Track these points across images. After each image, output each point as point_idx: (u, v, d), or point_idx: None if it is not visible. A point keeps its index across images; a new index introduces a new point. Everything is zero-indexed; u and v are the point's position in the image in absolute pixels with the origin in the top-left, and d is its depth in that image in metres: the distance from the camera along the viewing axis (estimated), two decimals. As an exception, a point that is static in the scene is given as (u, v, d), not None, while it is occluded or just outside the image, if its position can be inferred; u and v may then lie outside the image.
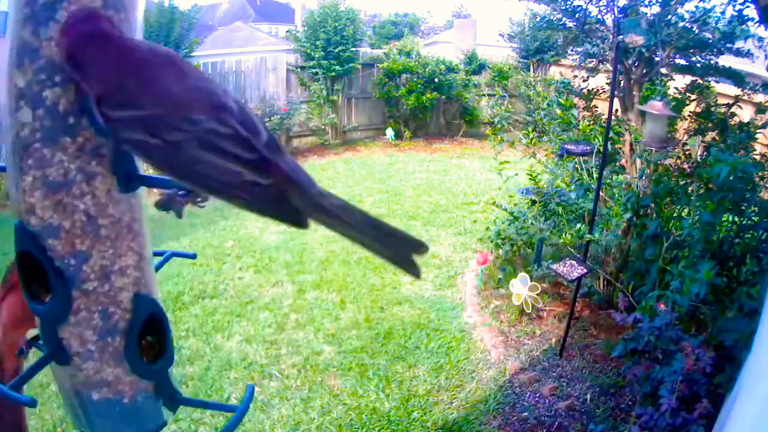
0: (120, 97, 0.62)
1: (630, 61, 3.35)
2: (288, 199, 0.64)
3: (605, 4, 3.30)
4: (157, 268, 0.97)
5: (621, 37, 2.71)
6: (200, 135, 0.62)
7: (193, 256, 1.09)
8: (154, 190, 0.80)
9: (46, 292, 0.78)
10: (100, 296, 0.78)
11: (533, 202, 3.98)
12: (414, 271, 0.68)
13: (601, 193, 3.23)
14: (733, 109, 3.37)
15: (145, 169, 0.80)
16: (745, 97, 3.36)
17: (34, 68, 0.70)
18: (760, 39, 3.13)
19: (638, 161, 3.42)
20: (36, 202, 0.73)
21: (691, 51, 3.23)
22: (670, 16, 3.09)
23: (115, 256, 0.78)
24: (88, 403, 0.82)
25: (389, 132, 9.70)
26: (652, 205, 3.25)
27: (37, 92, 0.70)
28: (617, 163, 3.77)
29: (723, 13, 3.10)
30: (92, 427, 0.85)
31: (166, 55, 0.67)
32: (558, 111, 4.06)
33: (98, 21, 0.65)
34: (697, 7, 3.10)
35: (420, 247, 0.67)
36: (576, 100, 3.98)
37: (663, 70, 3.41)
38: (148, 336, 0.85)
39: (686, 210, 3.18)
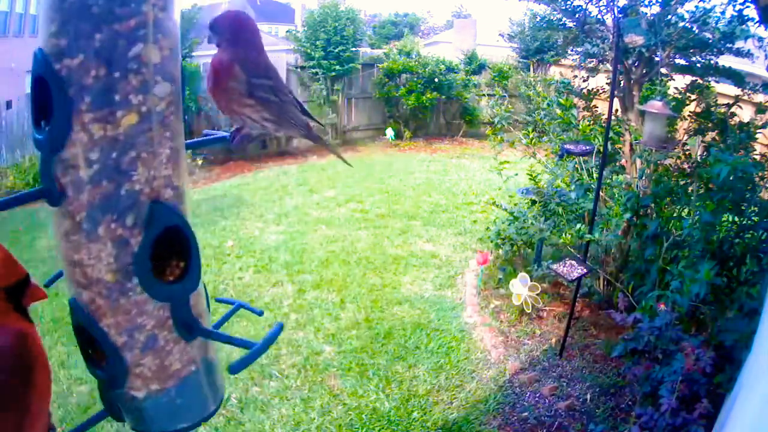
0: (257, 72, 0.99)
1: (630, 61, 3.35)
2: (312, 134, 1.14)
3: (605, 4, 3.30)
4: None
5: (624, 38, 2.71)
6: (291, 100, 1.07)
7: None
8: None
9: (169, 273, 0.79)
10: None
11: (533, 202, 3.98)
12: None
13: (601, 193, 3.23)
14: (733, 109, 3.37)
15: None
16: (745, 97, 3.36)
17: (167, 45, 0.73)
18: (760, 39, 3.13)
19: (638, 161, 3.42)
20: (172, 173, 0.76)
21: (691, 51, 3.23)
22: (670, 16, 3.09)
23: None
24: (210, 370, 0.86)
25: (389, 132, 9.70)
26: (652, 205, 3.24)
27: (170, 68, 0.74)
28: (617, 163, 3.77)
29: (723, 13, 3.10)
30: (204, 407, 0.86)
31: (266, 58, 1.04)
32: (558, 111, 4.06)
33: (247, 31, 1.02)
34: (697, 7, 3.10)
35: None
36: (576, 100, 3.98)
37: (663, 70, 3.41)
38: None
39: (686, 210, 3.18)
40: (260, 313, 1.11)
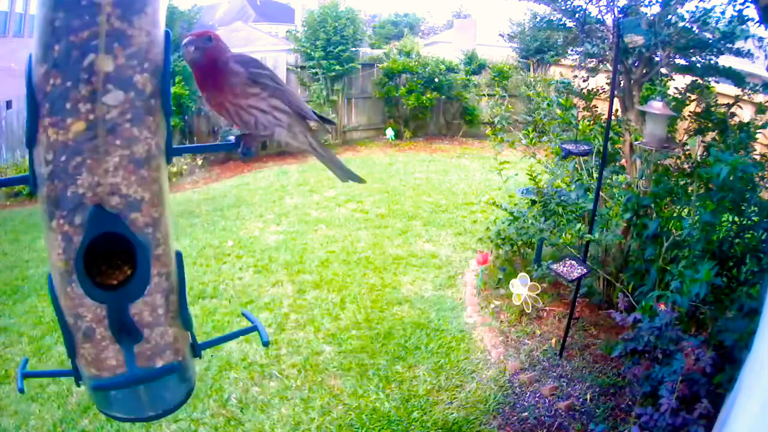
0: (251, 64, 1.00)
1: (630, 61, 3.34)
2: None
3: (605, 4, 3.29)
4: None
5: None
6: (290, 88, 1.08)
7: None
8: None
9: (110, 277, 0.82)
10: (164, 258, 0.85)
11: (533, 202, 3.98)
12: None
13: (601, 193, 3.23)
14: (733, 109, 3.37)
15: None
16: (745, 97, 3.36)
17: (126, 54, 0.76)
18: (760, 39, 3.13)
19: (638, 161, 3.42)
20: (121, 181, 0.78)
21: (691, 51, 3.23)
22: (670, 16, 3.09)
23: (168, 218, 0.87)
24: (153, 374, 0.87)
25: (389, 132, 9.70)
26: (652, 205, 3.24)
27: (129, 76, 0.77)
28: (617, 163, 3.77)
29: (723, 13, 3.10)
30: (154, 405, 0.90)
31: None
32: (558, 111, 4.06)
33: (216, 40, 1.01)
34: (697, 7, 3.09)
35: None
36: (576, 100, 3.98)
37: (663, 70, 3.41)
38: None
39: (686, 210, 3.18)
40: (266, 344, 1.11)
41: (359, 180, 1.25)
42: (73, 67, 0.73)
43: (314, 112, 1.16)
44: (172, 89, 7.25)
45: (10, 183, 0.89)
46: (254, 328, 1.04)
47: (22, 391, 0.93)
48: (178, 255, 0.90)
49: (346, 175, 1.23)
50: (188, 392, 0.95)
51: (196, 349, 0.96)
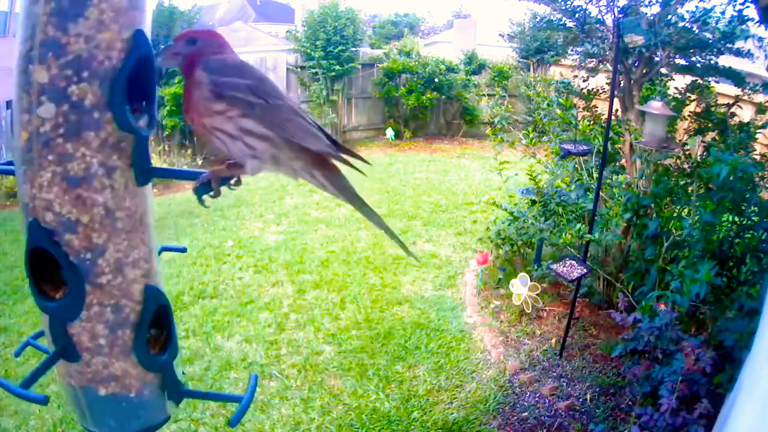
0: (224, 71, 0.82)
1: (630, 61, 3.35)
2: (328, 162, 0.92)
3: (605, 4, 3.29)
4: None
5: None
6: (291, 105, 0.86)
7: (183, 250, 1.13)
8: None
9: (56, 290, 0.79)
10: (114, 289, 0.79)
11: (533, 202, 3.98)
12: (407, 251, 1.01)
13: (601, 193, 3.23)
14: (733, 109, 3.37)
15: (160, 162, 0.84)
16: (745, 97, 3.36)
17: (60, 64, 0.72)
18: (760, 39, 3.13)
19: (638, 161, 3.42)
20: (54, 198, 0.74)
21: (691, 51, 3.23)
22: (670, 16, 3.09)
23: (129, 248, 0.79)
24: (95, 399, 0.83)
25: (389, 132, 9.70)
26: (652, 205, 3.24)
27: (63, 88, 0.72)
28: (617, 163, 3.77)
29: (723, 13, 3.10)
30: (97, 424, 0.85)
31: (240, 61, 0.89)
32: (558, 111, 4.06)
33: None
34: (697, 7, 3.09)
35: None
36: (576, 100, 3.98)
37: (663, 70, 3.41)
38: (154, 328, 0.86)
39: (686, 210, 3.18)
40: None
41: (386, 228, 1.02)
42: (20, 77, 0.73)
43: (336, 143, 0.90)
44: (172, 89, 7.23)
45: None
46: (239, 398, 0.90)
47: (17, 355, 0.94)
48: (150, 291, 0.83)
49: (377, 223, 1.01)
50: (142, 430, 0.87)
51: (175, 395, 0.88)
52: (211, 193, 0.86)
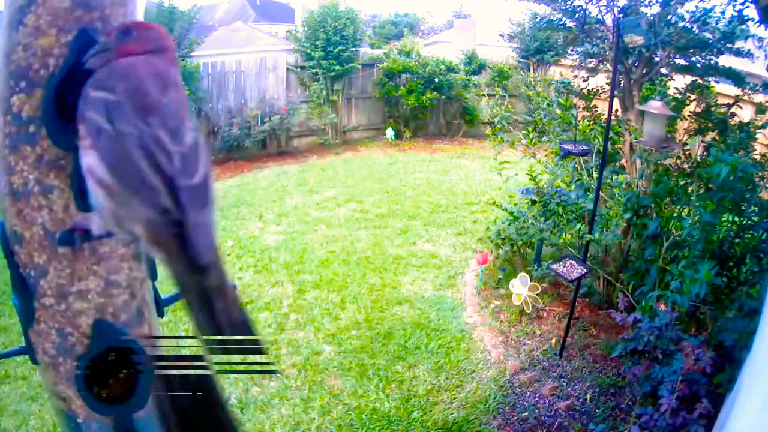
0: (103, 81, 0.64)
1: (630, 61, 3.35)
2: (184, 248, 0.60)
3: (605, 4, 3.29)
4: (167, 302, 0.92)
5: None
6: (145, 137, 0.61)
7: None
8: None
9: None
10: (57, 314, 0.74)
11: (533, 202, 3.98)
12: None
13: (601, 193, 3.23)
14: (733, 109, 3.37)
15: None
16: (745, 97, 3.36)
17: (6, 74, 0.70)
18: (760, 39, 3.13)
19: (638, 161, 3.42)
20: (7, 207, 0.72)
21: (691, 51, 3.23)
22: (670, 16, 3.09)
23: (72, 277, 0.73)
24: (56, 408, 0.82)
25: (389, 132, 9.70)
26: (652, 205, 3.24)
27: (7, 98, 0.70)
28: (617, 163, 3.77)
29: (723, 13, 3.10)
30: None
31: (159, 67, 0.68)
32: (558, 111, 4.06)
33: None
34: (697, 7, 3.09)
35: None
36: (576, 100, 3.98)
37: (663, 70, 3.41)
38: (121, 370, 0.78)
39: (686, 210, 3.18)
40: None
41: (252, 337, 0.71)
42: None
43: (195, 199, 0.64)
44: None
45: None
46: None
47: None
48: (103, 327, 0.75)
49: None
50: None
51: None
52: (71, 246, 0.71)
